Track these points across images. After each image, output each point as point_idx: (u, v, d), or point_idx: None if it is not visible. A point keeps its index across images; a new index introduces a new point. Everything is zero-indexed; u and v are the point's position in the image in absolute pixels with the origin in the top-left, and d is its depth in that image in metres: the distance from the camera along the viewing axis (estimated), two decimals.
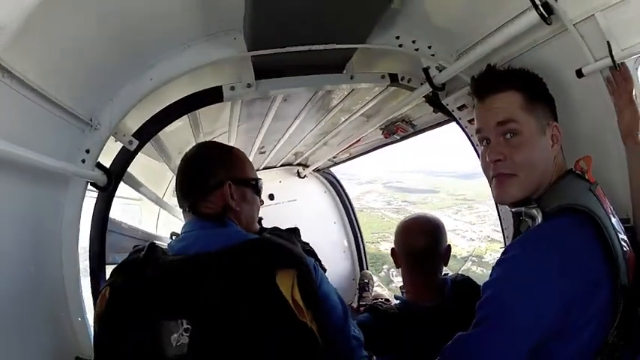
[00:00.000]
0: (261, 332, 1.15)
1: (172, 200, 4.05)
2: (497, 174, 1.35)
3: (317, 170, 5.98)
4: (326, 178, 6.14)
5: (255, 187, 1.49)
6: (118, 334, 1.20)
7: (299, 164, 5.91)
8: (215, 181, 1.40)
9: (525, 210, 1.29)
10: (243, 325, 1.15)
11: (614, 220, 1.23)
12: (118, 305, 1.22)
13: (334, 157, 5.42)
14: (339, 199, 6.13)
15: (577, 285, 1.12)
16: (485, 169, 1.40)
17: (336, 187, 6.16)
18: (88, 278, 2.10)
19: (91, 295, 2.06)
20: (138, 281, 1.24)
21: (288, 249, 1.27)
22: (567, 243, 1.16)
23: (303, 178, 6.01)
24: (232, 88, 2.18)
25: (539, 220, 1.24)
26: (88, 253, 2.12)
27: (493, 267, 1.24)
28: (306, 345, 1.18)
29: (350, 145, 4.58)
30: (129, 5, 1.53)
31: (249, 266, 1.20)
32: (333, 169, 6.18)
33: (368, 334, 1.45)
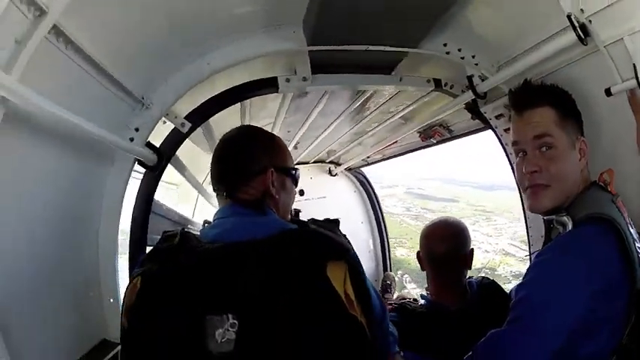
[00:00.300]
0: (311, 326, 1.06)
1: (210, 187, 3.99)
2: (533, 184, 1.42)
3: (348, 169, 5.91)
4: (356, 178, 6.06)
5: (294, 176, 1.42)
6: (149, 323, 1.11)
7: (331, 162, 5.84)
8: (259, 166, 1.31)
9: (556, 218, 1.37)
10: (292, 319, 1.05)
11: (632, 230, 1.29)
12: (150, 294, 1.13)
13: (368, 157, 5.32)
14: (368, 199, 6.06)
15: (600, 291, 1.18)
16: (521, 179, 1.47)
17: (366, 187, 6.08)
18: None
19: (127, 277, 2.01)
20: (172, 269, 1.14)
21: (338, 241, 1.18)
22: (594, 251, 1.23)
23: (334, 176, 5.93)
24: (287, 80, 2.18)
25: (570, 227, 1.31)
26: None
27: (527, 269, 1.34)
28: (356, 339, 1.10)
29: (385, 147, 4.49)
30: None
31: (296, 257, 1.10)
32: (364, 169, 6.08)
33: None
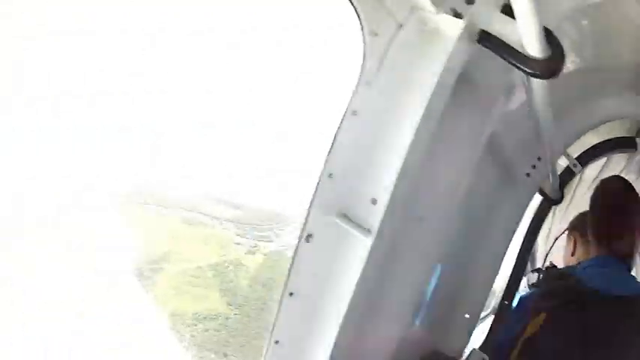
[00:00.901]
0: None
1: None
2: None
3: None
4: None
5: None
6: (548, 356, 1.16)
7: None
8: (635, 224, 1.33)
9: None
10: None
11: None
12: (553, 331, 1.15)
13: None
14: None
15: None
16: None
17: None
18: None
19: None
20: (574, 311, 1.17)
21: None
22: None
23: None
24: None
25: None
26: None
27: None
28: None
29: None
30: None
31: None
32: None
33: None
